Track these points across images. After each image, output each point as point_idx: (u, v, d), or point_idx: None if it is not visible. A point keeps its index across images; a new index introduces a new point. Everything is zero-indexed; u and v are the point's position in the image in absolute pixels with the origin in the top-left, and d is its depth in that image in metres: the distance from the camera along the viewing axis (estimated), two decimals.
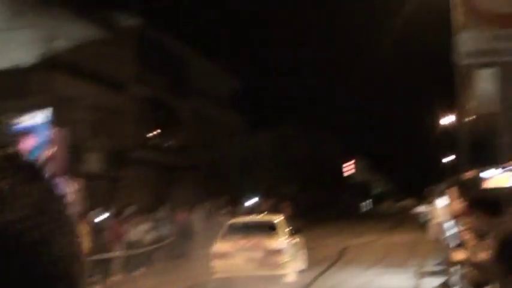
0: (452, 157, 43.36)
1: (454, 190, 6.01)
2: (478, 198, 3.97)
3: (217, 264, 11.64)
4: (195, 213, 21.12)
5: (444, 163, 37.06)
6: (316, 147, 51.76)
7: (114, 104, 24.13)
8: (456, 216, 6.19)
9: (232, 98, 37.73)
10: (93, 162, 22.18)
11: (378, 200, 71.98)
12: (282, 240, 11.64)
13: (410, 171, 68.94)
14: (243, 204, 27.90)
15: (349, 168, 69.32)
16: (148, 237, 17.19)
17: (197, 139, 31.11)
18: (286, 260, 11.25)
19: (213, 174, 28.32)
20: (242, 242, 11.53)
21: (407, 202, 49.46)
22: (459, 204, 5.33)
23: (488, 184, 4.89)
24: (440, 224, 11.42)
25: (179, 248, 19.13)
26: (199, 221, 20.97)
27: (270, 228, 12.07)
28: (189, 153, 30.49)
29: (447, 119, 30.38)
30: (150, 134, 27.64)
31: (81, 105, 21.83)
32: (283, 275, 11.23)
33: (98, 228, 14.67)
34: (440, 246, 11.91)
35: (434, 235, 11.76)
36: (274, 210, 32.61)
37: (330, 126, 55.05)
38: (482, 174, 5.01)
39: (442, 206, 10.68)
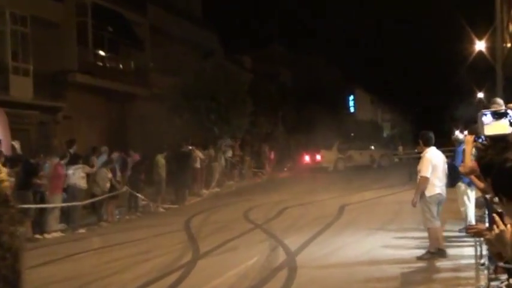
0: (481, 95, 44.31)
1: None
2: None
3: None
4: (159, 157, 20.96)
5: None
6: (312, 74, 51.43)
7: (48, 14, 23.36)
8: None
9: (206, 12, 37.01)
10: (20, 88, 21.60)
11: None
12: None
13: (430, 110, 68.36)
14: (216, 144, 27.81)
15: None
16: (97, 185, 17.08)
17: (159, 62, 30.60)
18: None
19: (180, 107, 28.02)
20: None
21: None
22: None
23: None
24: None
25: (133, 200, 19.10)
26: (163, 167, 20.85)
27: None
28: (149, 79, 30.05)
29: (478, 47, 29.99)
30: (98, 54, 26.99)
31: (4, 15, 21.09)
32: None
33: (28, 172, 14.43)
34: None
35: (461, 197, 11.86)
36: (251, 154, 33.17)
37: (329, 51, 54.65)
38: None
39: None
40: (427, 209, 9.94)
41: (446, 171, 9.99)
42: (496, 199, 3.34)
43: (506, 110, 4.99)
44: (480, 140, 6.12)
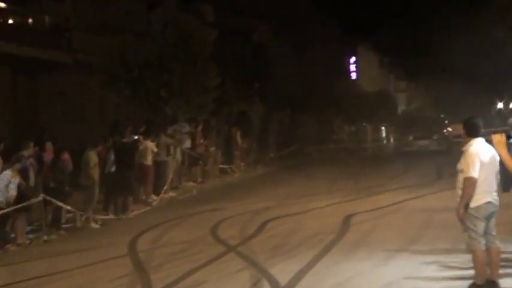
0: None
1: None
2: None
3: None
4: (91, 152, 20.65)
5: None
6: (298, 29, 51.33)
7: None
8: None
9: None
10: None
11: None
12: None
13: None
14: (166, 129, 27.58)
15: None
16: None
17: (86, 17, 30.21)
18: None
19: (117, 80, 27.72)
20: None
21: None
22: None
23: None
24: None
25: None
26: (95, 167, 20.56)
27: None
28: (71, 41, 29.67)
29: None
30: None
31: None
32: None
33: None
34: None
35: None
36: (219, 144, 32.94)
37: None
38: None
39: None
40: (471, 225, 9.81)
41: (498, 172, 9.86)
42: None
43: None
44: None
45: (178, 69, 28.71)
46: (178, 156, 27.63)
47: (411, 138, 51.57)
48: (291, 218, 18.78)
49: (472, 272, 10.17)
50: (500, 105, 52.90)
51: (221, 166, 32.90)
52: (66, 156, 20.44)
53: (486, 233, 9.84)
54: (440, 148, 44.13)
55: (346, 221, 17.55)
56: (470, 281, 10.02)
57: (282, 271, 12.01)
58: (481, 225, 9.79)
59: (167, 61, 28.53)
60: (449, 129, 52.54)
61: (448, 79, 73.62)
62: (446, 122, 63.30)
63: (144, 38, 28.83)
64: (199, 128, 30.92)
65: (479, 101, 66.10)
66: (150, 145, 24.04)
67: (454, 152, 33.37)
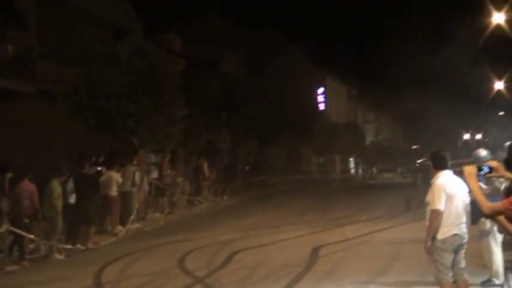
0: None
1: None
2: None
3: None
4: (55, 182, 20.45)
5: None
6: (266, 59, 51.49)
7: None
8: None
9: None
10: None
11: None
12: None
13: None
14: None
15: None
16: None
17: (51, 46, 30.14)
18: None
19: (83, 109, 27.65)
20: None
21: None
22: None
23: None
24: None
25: None
26: (59, 198, 20.38)
27: None
28: (35, 71, 29.58)
29: None
30: None
31: None
32: None
33: None
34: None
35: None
36: (186, 175, 32.85)
37: (289, 26, 55.01)
38: None
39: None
40: (438, 257, 9.86)
41: (468, 205, 9.93)
42: None
43: None
44: (485, 171, 6.20)
45: (145, 99, 28.67)
46: (146, 186, 27.53)
47: (375, 170, 50.99)
48: (259, 250, 18.75)
49: None
50: (466, 136, 53.35)
51: (188, 197, 32.81)
52: (25, 185, 20.03)
53: (454, 265, 9.89)
54: (405, 181, 43.77)
55: (315, 252, 17.54)
56: None
57: None
58: (448, 258, 9.84)
59: (133, 91, 28.49)
60: (417, 146, 52.20)
61: (416, 110, 74.26)
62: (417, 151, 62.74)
63: (110, 68, 28.78)
64: (167, 158, 30.87)
65: (447, 132, 66.75)
66: (115, 176, 23.94)
67: (420, 185, 33.79)
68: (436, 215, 9.79)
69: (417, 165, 46.85)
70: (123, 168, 25.49)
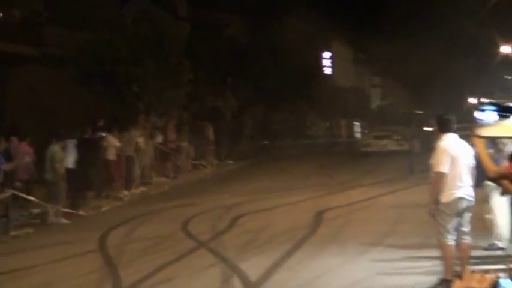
0: None
1: None
2: None
3: None
4: (55, 147, 20.41)
5: None
6: (273, 24, 51.21)
7: None
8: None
9: None
10: None
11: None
12: None
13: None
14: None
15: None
16: None
17: (57, 11, 29.98)
18: None
19: (89, 75, 27.55)
20: None
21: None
22: None
23: None
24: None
25: None
26: (61, 162, 20.33)
27: None
28: (42, 35, 29.45)
29: None
30: None
31: None
32: None
33: None
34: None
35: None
36: (191, 139, 32.82)
37: None
38: None
39: None
40: (441, 220, 9.80)
41: (474, 167, 9.84)
42: None
43: None
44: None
45: (151, 64, 28.56)
46: (151, 150, 27.50)
47: (371, 137, 47.04)
48: (263, 214, 18.77)
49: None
50: (471, 100, 52.62)
51: (193, 161, 32.80)
52: (23, 147, 20.03)
53: (457, 228, 9.83)
54: (401, 149, 41.60)
55: (319, 216, 17.56)
56: (441, 276, 10.04)
57: (253, 267, 11.96)
58: (451, 221, 9.77)
59: (139, 56, 28.37)
60: (419, 111, 48.76)
61: (423, 75, 73.88)
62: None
63: (116, 33, 28.63)
64: (172, 123, 30.81)
65: (453, 97, 66.44)
66: (112, 140, 23.95)
67: (417, 153, 33.44)
68: (439, 177, 9.72)
69: (413, 131, 44.45)
70: (126, 132, 25.48)
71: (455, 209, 9.75)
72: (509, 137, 5.50)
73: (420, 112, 49.74)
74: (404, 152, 37.03)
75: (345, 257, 12.62)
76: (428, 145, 33.52)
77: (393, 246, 13.30)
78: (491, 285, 3.75)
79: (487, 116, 6.79)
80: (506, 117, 4.43)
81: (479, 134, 9.57)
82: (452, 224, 9.76)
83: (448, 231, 9.76)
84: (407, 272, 11.20)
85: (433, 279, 10.20)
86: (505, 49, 45.05)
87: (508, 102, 6.68)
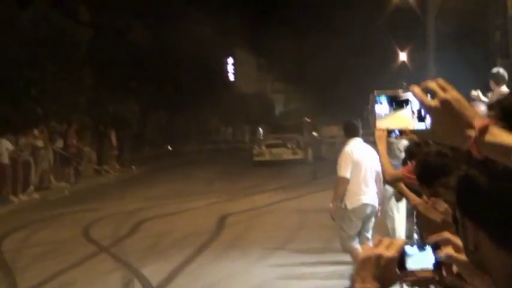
0: None
1: None
2: None
3: None
4: None
5: None
6: (176, 29, 51.10)
7: None
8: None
9: None
10: None
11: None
12: None
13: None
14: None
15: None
16: None
17: None
18: None
19: None
20: None
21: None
22: None
23: None
24: None
25: None
26: None
27: None
28: None
29: None
30: None
31: None
32: None
33: None
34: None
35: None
36: (93, 144, 32.45)
37: None
38: None
39: None
40: (344, 225, 9.89)
41: (379, 173, 9.91)
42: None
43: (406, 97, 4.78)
44: (394, 135, 6.06)
45: (51, 68, 28.10)
46: (50, 155, 27.00)
47: (264, 146, 42.29)
48: (166, 219, 18.66)
49: (344, 268, 10.27)
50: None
51: (95, 167, 32.36)
52: None
53: (360, 233, 9.93)
54: (295, 158, 39.00)
55: (221, 221, 17.54)
56: (344, 280, 10.09)
57: (155, 272, 11.88)
58: (355, 227, 9.86)
59: (39, 60, 27.86)
60: (307, 119, 46.09)
61: (326, 80, 74.69)
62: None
63: (14, 36, 28.03)
64: (72, 127, 30.32)
65: (358, 99, 67.10)
66: (5, 143, 23.46)
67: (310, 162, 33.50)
68: (341, 182, 9.81)
69: (305, 139, 41.20)
70: (23, 136, 25.05)
71: (361, 215, 9.85)
72: (402, 128, 5.43)
73: (308, 120, 47.93)
74: (299, 162, 36.38)
75: (246, 261, 12.66)
76: (319, 155, 33.61)
77: (295, 251, 13.37)
78: (398, 251, 3.75)
79: (384, 108, 6.91)
80: (400, 107, 4.38)
81: (377, 128, 9.63)
82: (356, 229, 9.86)
83: (352, 237, 9.85)
84: (308, 277, 11.29)
85: (337, 283, 10.29)
86: (402, 56, 46.01)
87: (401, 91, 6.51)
